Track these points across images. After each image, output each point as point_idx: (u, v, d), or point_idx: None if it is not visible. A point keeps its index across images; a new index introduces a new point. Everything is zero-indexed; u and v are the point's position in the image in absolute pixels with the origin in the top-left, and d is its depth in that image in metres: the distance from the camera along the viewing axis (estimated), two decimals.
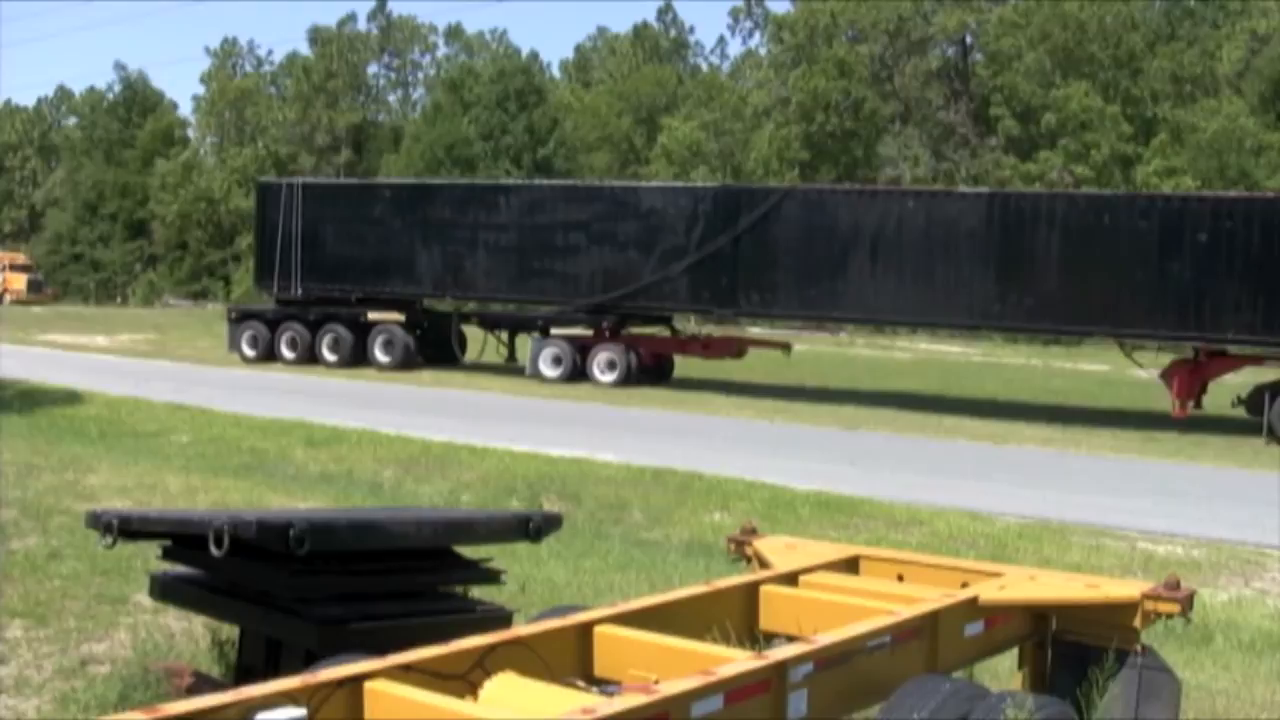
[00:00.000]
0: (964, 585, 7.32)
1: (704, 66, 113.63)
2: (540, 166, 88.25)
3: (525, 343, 38.17)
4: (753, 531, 8.50)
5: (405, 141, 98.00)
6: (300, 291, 40.28)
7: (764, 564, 7.90)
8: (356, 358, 38.71)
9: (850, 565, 8.03)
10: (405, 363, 38.27)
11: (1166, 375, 30.27)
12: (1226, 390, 30.79)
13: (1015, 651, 7.54)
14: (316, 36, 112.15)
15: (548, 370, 36.04)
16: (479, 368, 38.83)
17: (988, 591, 7.03)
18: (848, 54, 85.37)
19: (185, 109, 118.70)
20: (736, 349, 37.13)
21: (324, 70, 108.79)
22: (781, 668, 5.53)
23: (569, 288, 36.27)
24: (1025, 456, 24.41)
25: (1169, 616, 7.03)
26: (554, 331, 36.65)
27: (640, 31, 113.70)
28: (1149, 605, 6.88)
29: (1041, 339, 31.93)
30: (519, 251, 37.13)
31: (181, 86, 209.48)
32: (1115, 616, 6.94)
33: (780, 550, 8.09)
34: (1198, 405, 30.42)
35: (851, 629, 6.10)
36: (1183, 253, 28.86)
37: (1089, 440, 26.91)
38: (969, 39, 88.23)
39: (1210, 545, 15.65)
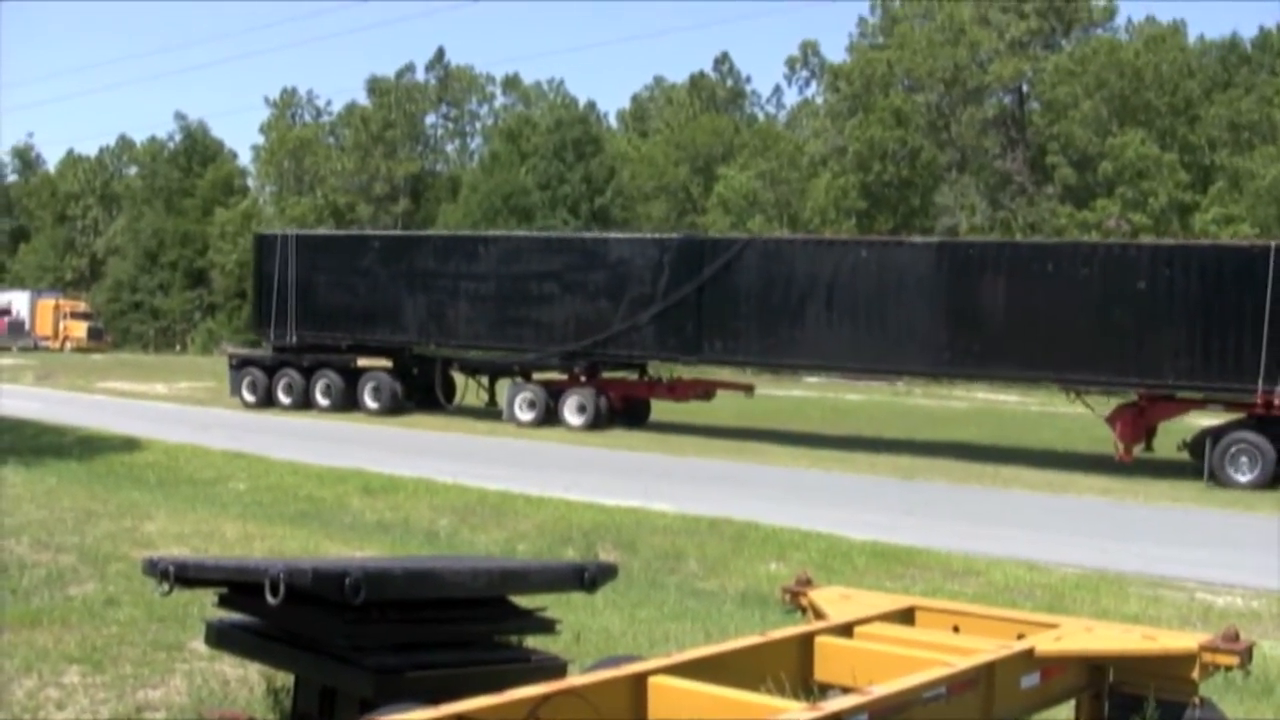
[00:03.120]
0: (1020, 636, 7.27)
1: (760, 116, 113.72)
2: (597, 216, 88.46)
3: (506, 387, 39.21)
4: (808, 582, 8.46)
5: (463, 191, 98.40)
6: (295, 339, 41.48)
7: (819, 615, 7.86)
8: (347, 403, 39.84)
9: (906, 616, 7.98)
10: (393, 408, 39.35)
11: (1111, 419, 30.47)
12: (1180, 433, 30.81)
13: (1072, 703, 7.48)
14: (375, 87, 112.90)
15: (522, 414, 36.97)
16: (462, 411, 39.83)
17: (1044, 643, 6.97)
18: (904, 103, 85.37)
19: (245, 159, 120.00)
20: (704, 391, 38.33)
21: (382, 120, 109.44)
22: (836, 719, 5.50)
23: (544, 335, 37.31)
24: (1083, 506, 24.23)
25: (1228, 669, 6.96)
26: (535, 376, 37.84)
27: (697, 81, 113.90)
28: (1207, 657, 6.82)
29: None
30: (497, 300, 38.23)
31: (241, 136, 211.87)
32: (1173, 668, 6.88)
33: (835, 601, 8.05)
34: (1148, 448, 30.75)
35: (907, 680, 6.05)
36: (1123, 299, 29.35)
37: (1146, 490, 26.70)
38: (1025, 87, 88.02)
39: (1270, 596, 15.48)
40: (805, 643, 7.12)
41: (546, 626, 7.78)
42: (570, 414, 36.49)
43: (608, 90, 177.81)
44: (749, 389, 38.68)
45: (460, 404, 40.77)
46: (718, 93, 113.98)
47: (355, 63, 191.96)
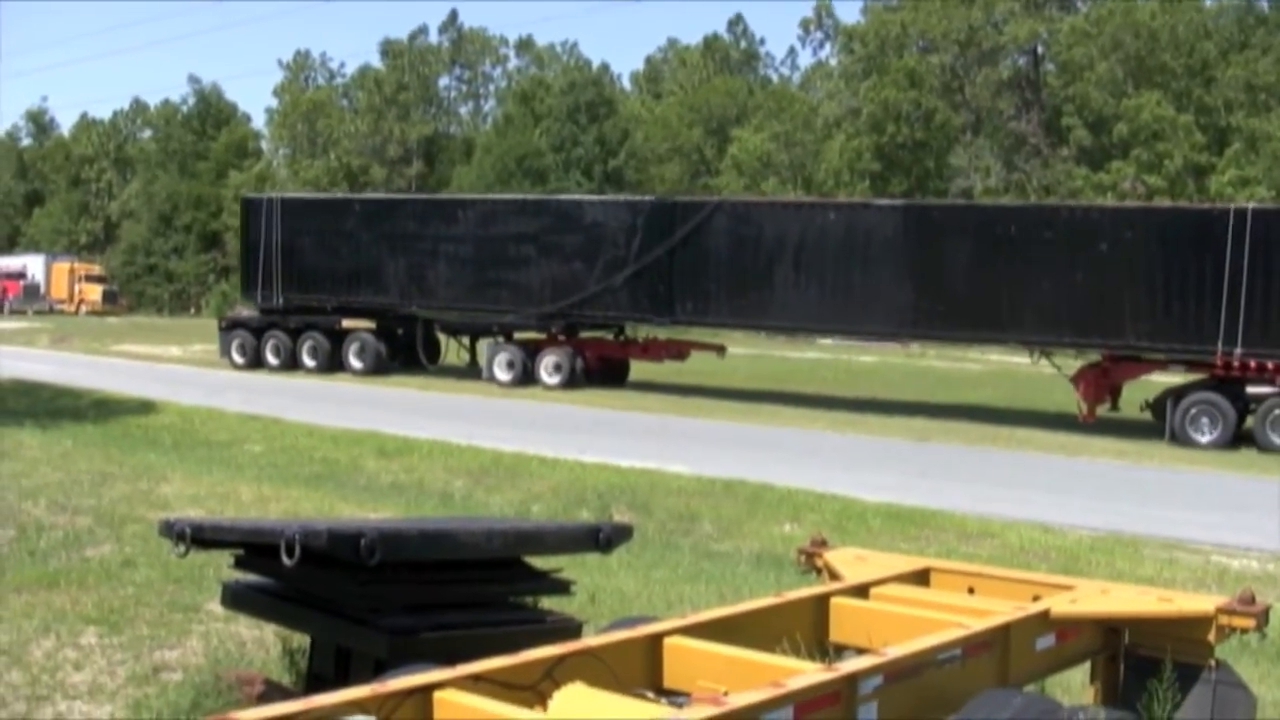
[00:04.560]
0: (1036, 598, 7.26)
1: (774, 77, 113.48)
2: (611, 178, 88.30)
3: (485, 347, 39.95)
4: (823, 543, 8.46)
5: (476, 153, 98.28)
6: (281, 301, 42.04)
7: (834, 576, 7.87)
8: (333, 364, 40.36)
9: (921, 577, 7.98)
10: (377, 368, 39.92)
11: (1075, 379, 30.93)
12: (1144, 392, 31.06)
13: (1087, 665, 7.48)
14: (388, 49, 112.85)
15: (501, 374, 37.63)
16: (444, 371, 40.74)
17: (1059, 605, 6.97)
18: (918, 64, 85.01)
19: (258, 121, 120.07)
20: (677, 351, 38.55)
21: (395, 82, 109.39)
22: (852, 680, 5.50)
23: (521, 297, 37.79)
24: (1097, 469, 24.21)
25: (1244, 631, 6.95)
26: (515, 337, 38.52)
27: (711, 43, 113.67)
28: (1223, 620, 6.80)
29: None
30: (476, 262, 38.68)
31: (255, 99, 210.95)
32: (1189, 631, 6.87)
33: (850, 562, 8.05)
34: (1114, 408, 31.12)
35: (922, 642, 6.05)
36: (1086, 261, 29.61)
37: (1161, 453, 26.69)
38: (1040, 49, 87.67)
39: None
40: (820, 604, 7.13)
41: (561, 588, 7.79)
42: (545, 373, 37.04)
43: (621, 52, 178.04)
44: (721, 349, 39.39)
45: (441, 363, 41.66)
46: (731, 54, 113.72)
47: (368, 25, 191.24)
